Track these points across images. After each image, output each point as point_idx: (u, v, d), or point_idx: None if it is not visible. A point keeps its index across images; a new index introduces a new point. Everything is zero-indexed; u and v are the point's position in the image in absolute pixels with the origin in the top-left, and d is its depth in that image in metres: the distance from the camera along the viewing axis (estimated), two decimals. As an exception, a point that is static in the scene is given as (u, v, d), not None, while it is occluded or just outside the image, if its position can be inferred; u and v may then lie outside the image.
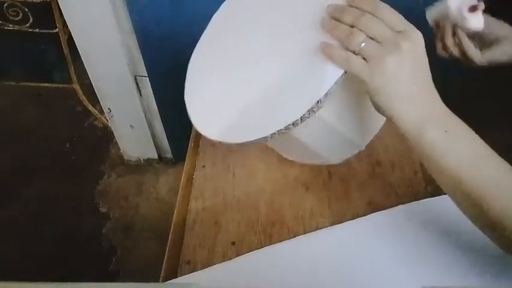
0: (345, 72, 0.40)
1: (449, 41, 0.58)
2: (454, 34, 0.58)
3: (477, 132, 0.40)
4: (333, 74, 0.40)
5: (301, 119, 0.41)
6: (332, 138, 0.50)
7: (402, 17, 0.38)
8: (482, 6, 0.55)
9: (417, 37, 0.37)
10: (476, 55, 0.57)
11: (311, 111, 0.41)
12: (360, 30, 0.38)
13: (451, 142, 0.38)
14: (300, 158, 0.58)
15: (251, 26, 0.52)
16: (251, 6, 0.53)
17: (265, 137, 0.43)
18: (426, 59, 0.38)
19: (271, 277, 0.49)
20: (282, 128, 0.42)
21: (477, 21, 0.56)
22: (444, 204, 0.44)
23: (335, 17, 0.40)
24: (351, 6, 0.39)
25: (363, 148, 0.52)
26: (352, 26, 0.38)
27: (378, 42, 0.37)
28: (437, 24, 0.61)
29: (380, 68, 0.37)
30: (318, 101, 0.40)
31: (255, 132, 0.44)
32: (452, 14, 0.57)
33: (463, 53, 0.58)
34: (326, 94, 0.40)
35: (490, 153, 0.38)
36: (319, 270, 0.49)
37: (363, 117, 0.51)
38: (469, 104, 0.71)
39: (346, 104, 0.48)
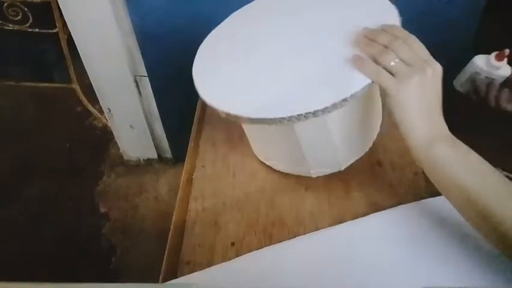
0: (372, 82, 0.45)
1: (490, 96, 0.66)
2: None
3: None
4: (362, 81, 0.45)
5: (322, 111, 0.44)
6: (324, 146, 0.52)
7: (427, 50, 0.44)
8: (506, 51, 0.64)
9: (438, 68, 0.43)
10: None
11: (334, 106, 0.44)
12: (392, 51, 0.44)
13: (457, 155, 0.43)
14: (282, 163, 0.58)
15: (283, 22, 0.55)
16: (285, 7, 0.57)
17: (283, 118, 0.45)
18: (441, 89, 0.44)
19: (271, 277, 0.49)
20: (302, 113, 0.44)
21: (505, 68, 0.65)
22: (444, 203, 0.45)
23: (369, 37, 0.46)
24: (385, 31, 0.46)
25: (342, 169, 0.56)
26: (385, 47, 0.45)
27: (406, 64, 0.44)
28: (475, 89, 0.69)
29: (406, 84, 0.43)
30: (344, 99, 0.44)
31: (275, 111, 0.45)
32: (482, 70, 0.66)
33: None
34: (352, 95, 0.44)
35: (490, 165, 0.42)
36: (319, 270, 0.49)
37: (356, 141, 0.56)
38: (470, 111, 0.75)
39: (349, 122, 0.52)
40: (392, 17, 0.49)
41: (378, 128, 0.59)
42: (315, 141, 0.51)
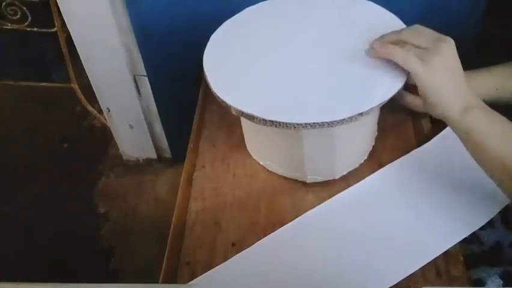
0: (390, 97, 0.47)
1: None
2: None
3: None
4: (380, 97, 0.47)
5: (338, 122, 0.45)
6: (326, 155, 0.53)
7: (432, 30, 0.49)
8: None
9: (450, 41, 0.48)
10: None
11: (350, 119, 0.45)
12: (406, 41, 0.49)
13: (492, 121, 0.47)
14: (280, 166, 0.58)
15: (301, 26, 0.55)
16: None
17: (298, 124, 0.45)
18: (458, 58, 0.48)
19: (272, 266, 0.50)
20: (318, 121, 0.44)
21: None
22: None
23: (380, 40, 0.50)
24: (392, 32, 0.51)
25: (336, 178, 0.56)
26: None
27: (422, 48, 0.48)
28: None
29: (429, 66, 0.47)
30: (360, 113, 0.45)
31: (290, 115, 0.45)
32: None
33: None
34: (369, 110, 0.45)
35: None
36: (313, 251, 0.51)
37: (355, 152, 0.56)
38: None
39: (354, 134, 0.53)
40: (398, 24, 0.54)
41: (374, 141, 0.60)
42: (319, 149, 0.52)
